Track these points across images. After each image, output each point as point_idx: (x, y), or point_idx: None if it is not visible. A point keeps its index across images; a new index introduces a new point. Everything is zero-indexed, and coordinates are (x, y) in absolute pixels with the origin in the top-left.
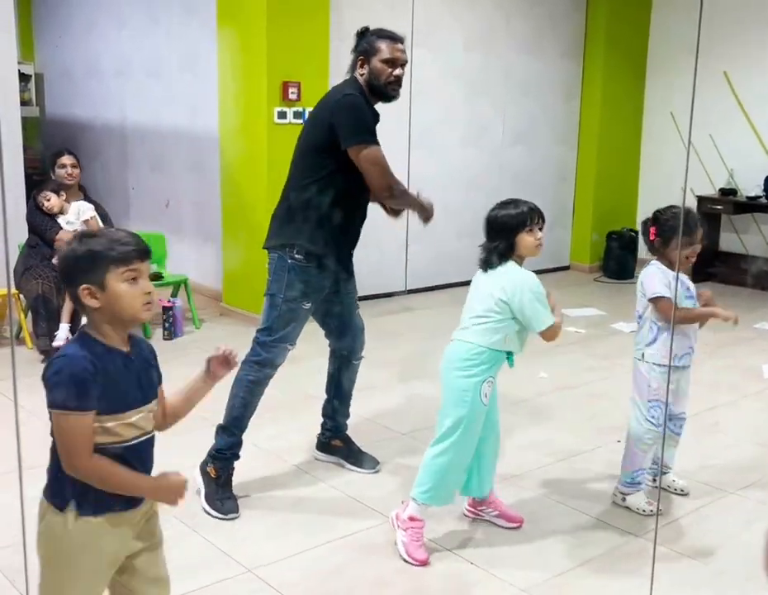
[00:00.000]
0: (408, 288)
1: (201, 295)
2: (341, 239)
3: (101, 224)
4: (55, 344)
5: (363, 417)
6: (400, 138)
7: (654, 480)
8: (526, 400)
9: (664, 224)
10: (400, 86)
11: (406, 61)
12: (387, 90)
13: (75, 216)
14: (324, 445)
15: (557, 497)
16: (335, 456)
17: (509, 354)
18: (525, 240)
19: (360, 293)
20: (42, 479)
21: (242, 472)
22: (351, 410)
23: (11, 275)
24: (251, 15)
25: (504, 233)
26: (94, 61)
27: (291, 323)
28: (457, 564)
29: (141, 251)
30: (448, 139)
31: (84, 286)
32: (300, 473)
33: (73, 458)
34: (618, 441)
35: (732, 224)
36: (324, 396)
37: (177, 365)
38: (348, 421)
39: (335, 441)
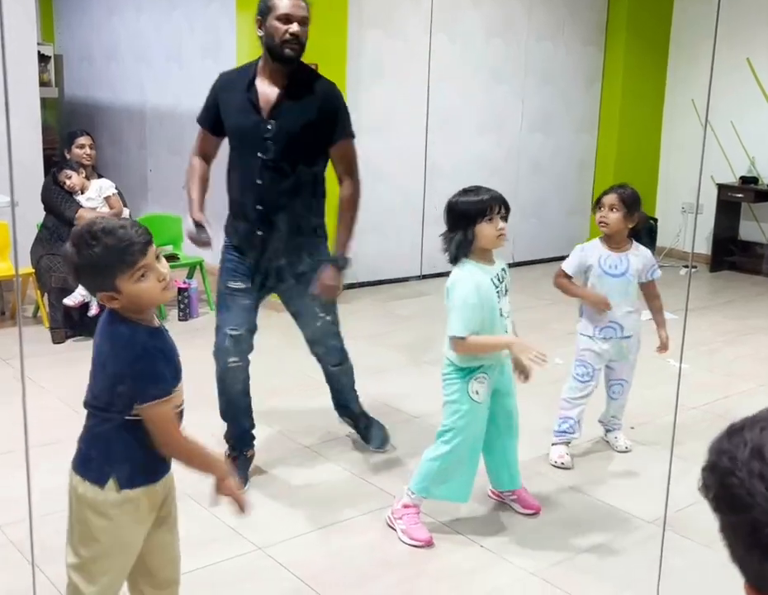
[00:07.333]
0: (423, 273)
1: (216, 277)
2: (248, 224)
3: (121, 202)
4: (68, 302)
5: (376, 399)
6: (418, 124)
7: (607, 432)
8: (540, 386)
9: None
10: (299, 45)
11: (305, 17)
12: (282, 49)
13: (96, 192)
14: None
15: (571, 483)
16: (352, 430)
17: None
18: (485, 230)
19: (374, 278)
20: (58, 454)
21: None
22: (364, 391)
23: (17, 257)
24: None
25: (463, 222)
26: (114, 44)
27: (226, 306)
28: (467, 546)
29: (143, 245)
30: (466, 125)
31: (101, 294)
32: (311, 453)
33: None
34: (632, 428)
35: (752, 212)
36: None
37: (190, 346)
38: (360, 401)
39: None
